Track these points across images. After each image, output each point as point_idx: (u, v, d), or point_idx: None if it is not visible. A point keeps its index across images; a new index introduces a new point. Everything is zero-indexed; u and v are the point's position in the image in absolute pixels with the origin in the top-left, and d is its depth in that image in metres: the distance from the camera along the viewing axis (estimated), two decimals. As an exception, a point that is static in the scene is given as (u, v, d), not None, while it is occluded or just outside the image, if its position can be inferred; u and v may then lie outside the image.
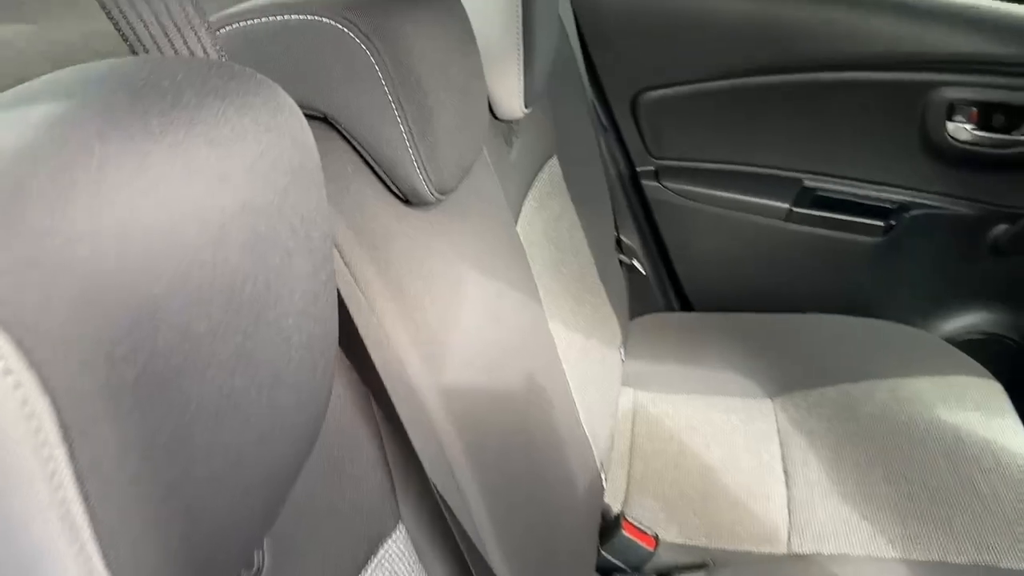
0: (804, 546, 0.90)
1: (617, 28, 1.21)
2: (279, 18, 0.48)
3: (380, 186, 0.54)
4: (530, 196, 0.96)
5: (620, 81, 1.25)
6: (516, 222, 0.88)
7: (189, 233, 0.26)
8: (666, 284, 1.37)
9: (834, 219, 1.23)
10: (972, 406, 1.05)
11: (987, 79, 1.11)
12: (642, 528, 0.90)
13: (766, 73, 1.18)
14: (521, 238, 0.86)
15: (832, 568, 0.86)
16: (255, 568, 0.39)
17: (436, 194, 0.54)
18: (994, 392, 1.09)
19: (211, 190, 0.27)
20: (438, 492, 0.52)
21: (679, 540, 0.93)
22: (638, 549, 0.88)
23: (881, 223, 1.22)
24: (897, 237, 1.23)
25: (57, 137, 0.25)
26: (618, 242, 1.30)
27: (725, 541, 0.93)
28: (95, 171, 0.24)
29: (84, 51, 0.58)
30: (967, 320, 1.28)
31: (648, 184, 1.30)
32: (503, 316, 0.68)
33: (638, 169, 1.30)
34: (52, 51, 0.58)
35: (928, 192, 1.20)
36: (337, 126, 0.51)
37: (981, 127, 1.15)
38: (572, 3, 1.19)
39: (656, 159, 1.29)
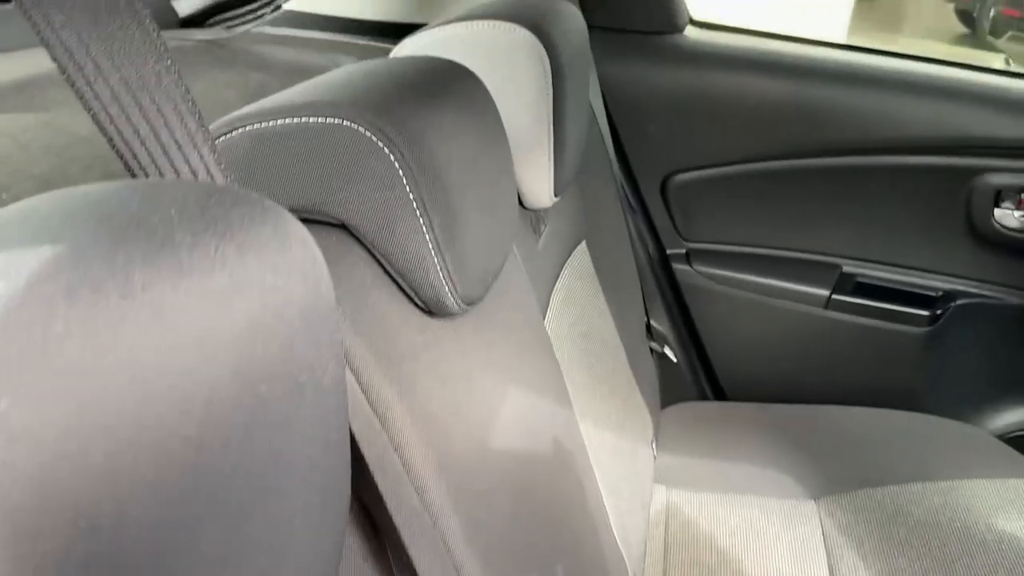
0: (858, 674, 0.82)
1: (647, 110, 1.18)
2: (294, 120, 0.45)
3: (402, 297, 0.49)
4: (559, 286, 0.92)
5: (650, 163, 1.22)
6: (544, 314, 0.84)
7: (167, 415, 0.21)
8: (698, 371, 1.31)
9: (876, 307, 1.17)
10: (1034, 514, 0.98)
11: (1035, 165, 1.07)
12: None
13: (800, 156, 1.15)
14: (549, 332, 0.82)
15: None
16: None
17: (463, 305, 0.50)
18: (1057, 498, 1.01)
19: (198, 359, 0.22)
20: None
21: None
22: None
23: (927, 312, 1.16)
24: (944, 327, 1.17)
25: (16, 293, 0.21)
26: (648, 328, 1.24)
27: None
28: (55, 342, 0.20)
29: (88, 144, 0.56)
30: (1018, 415, 1.20)
31: (679, 268, 1.25)
32: (535, 428, 0.63)
33: (668, 252, 1.26)
34: (54, 143, 0.55)
35: (976, 280, 1.15)
36: (357, 235, 0.47)
37: (1031, 213, 1.10)
38: (601, 85, 1.17)
39: (687, 242, 1.25)
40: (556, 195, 0.81)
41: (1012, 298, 1.14)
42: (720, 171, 1.18)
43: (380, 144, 0.44)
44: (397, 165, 0.45)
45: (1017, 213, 1.10)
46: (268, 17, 1.02)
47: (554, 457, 0.67)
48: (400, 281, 0.48)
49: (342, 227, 0.47)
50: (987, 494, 1.01)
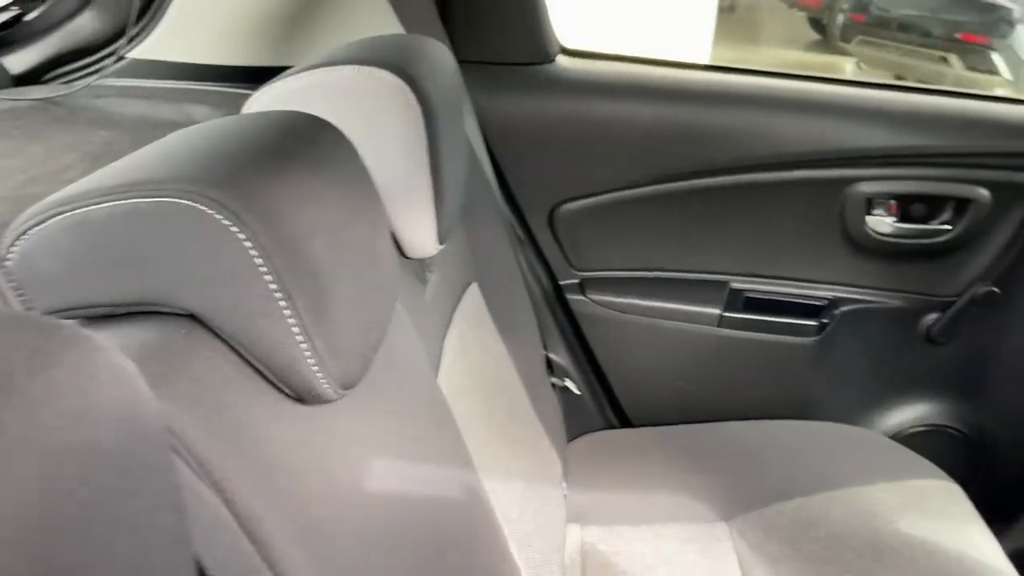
0: None
1: (527, 141, 1.16)
2: (124, 201, 0.39)
3: (269, 388, 0.44)
4: (451, 334, 0.87)
5: (535, 195, 1.19)
6: (437, 369, 0.79)
7: None
8: (602, 401, 1.30)
9: (766, 321, 1.19)
10: (935, 514, 1.00)
11: (902, 171, 1.11)
12: None
13: (681, 178, 1.15)
14: (444, 388, 0.77)
15: None
16: None
17: (339, 391, 0.45)
18: (955, 495, 1.04)
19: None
20: None
21: None
22: None
23: (814, 322, 1.18)
24: (831, 335, 1.19)
25: None
26: (548, 362, 1.22)
27: None
28: None
29: None
30: (909, 414, 1.24)
31: (573, 298, 1.23)
32: (436, 506, 0.58)
33: (561, 283, 1.23)
34: None
35: (857, 287, 1.18)
36: (210, 325, 0.41)
37: (901, 219, 1.13)
38: (479, 119, 1.14)
39: (579, 271, 1.23)
40: (441, 242, 0.77)
41: (891, 301, 1.18)
42: (605, 198, 1.17)
43: (227, 223, 0.39)
44: (249, 246, 0.39)
45: (888, 219, 1.14)
46: (111, 69, 0.94)
47: (459, 531, 0.62)
48: (265, 372, 0.42)
49: (192, 317, 0.41)
50: (890, 498, 1.03)
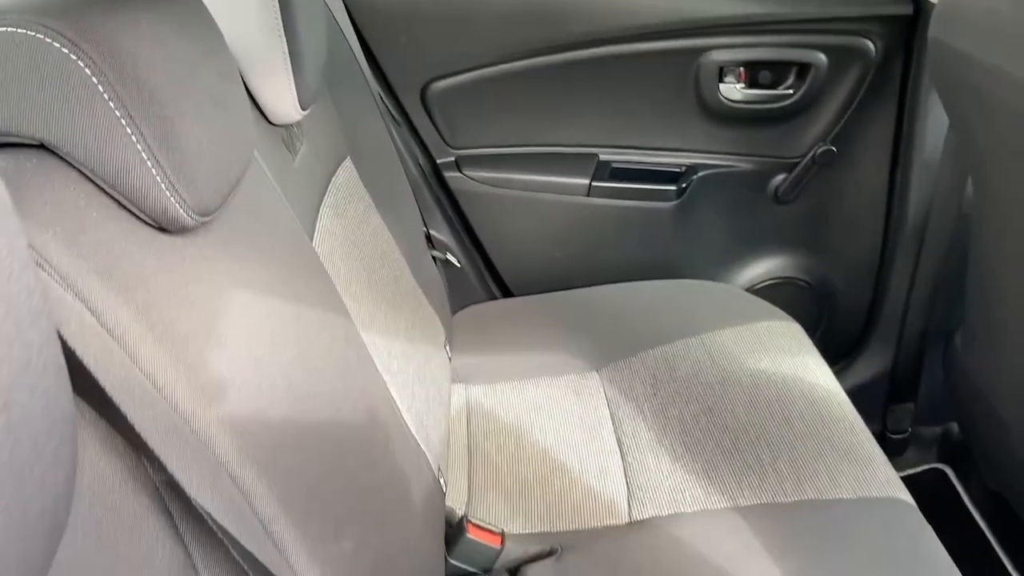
0: (643, 512, 0.92)
1: (396, 20, 1.17)
2: (-39, 34, 0.40)
3: (128, 216, 0.47)
4: (325, 204, 0.90)
5: (406, 73, 1.21)
6: (313, 235, 0.83)
7: None
8: (483, 273, 1.36)
9: (631, 189, 1.27)
10: (776, 350, 1.12)
11: (750, 39, 1.18)
12: (487, 527, 0.88)
13: (548, 53, 1.19)
14: (320, 251, 0.81)
15: (669, 529, 0.88)
16: None
17: (196, 216, 0.48)
18: (794, 332, 1.17)
19: None
20: (248, 552, 0.46)
21: (525, 530, 0.92)
22: (485, 549, 0.86)
23: (674, 187, 1.27)
24: (689, 199, 1.29)
25: None
26: (428, 238, 1.26)
27: (569, 522, 0.93)
28: None
29: None
30: (761, 268, 1.37)
31: (450, 175, 1.27)
32: (305, 339, 0.63)
33: (438, 161, 1.27)
34: None
35: (712, 152, 1.27)
36: (60, 154, 0.43)
37: (749, 85, 1.22)
38: (345, 1, 1.14)
39: (455, 149, 1.27)
40: (303, 108, 0.79)
41: (743, 164, 1.27)
42: (475, 75, 1.20)
43: (66, 51, 0.41)
44: (90, 72, 0.42)
45: (739, 86, 1.22)
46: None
47: (333, 367, 0.67)
48: (120, 198, 0.45)
49: (42, 147, 0.44)
50: (740, 339, 1.14)
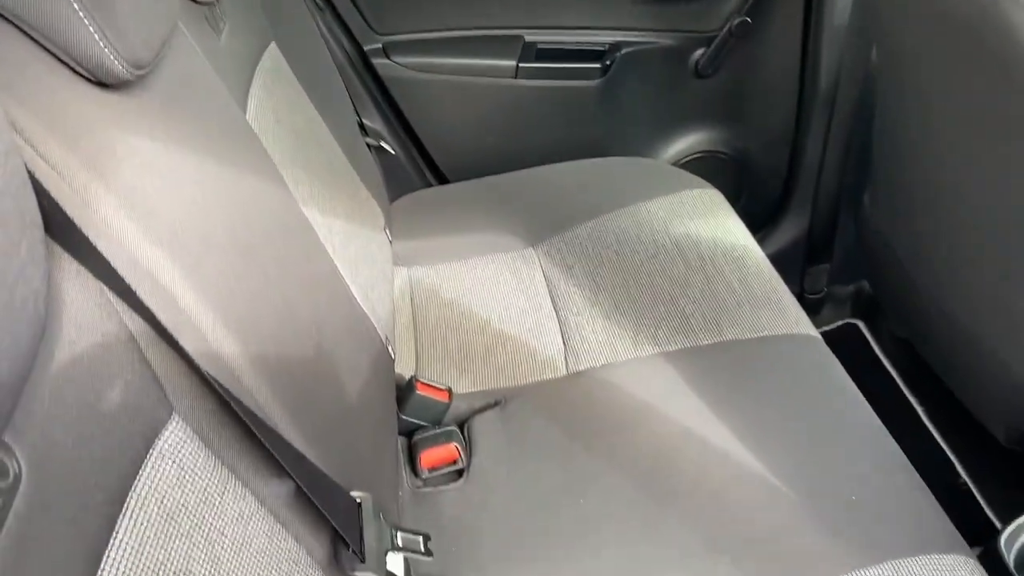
0: (579, 365, 0.99)
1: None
2: None
3: (66, 72, 0.49)
4: (255, 86, 0.91)
5: (327, -42, 1.20)
6: (245, 115, 0.84)
7: None
8: (418, 161, 1.39)
9: (556, 69, 1.30)
10: (699, 214, 1.19)
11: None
12: (435, 385, 0.94)
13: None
14: (254, 128, 0.83)
15: (603, 376, 0.96)
16: (11, 476, 0.37)
17: (130, 68, 0.50)
18: (717, 200, 1.24)
19: None
20: (214, 380, 0.51)
21: (471, 389, 0.99)
22: (434, 404, 0.92)
23: (598, 65, 1.30)
24: (614, 76, 1.32)
25: None
26: (361, 126, 1.28)
27: (512, 379, 1.00)
28: None
29: None
30: (685, 143, 1.42)
31: (379, 62, 1.28)
32: (246, 203, 0.66)
33: (365, 48, 1.28)
34: None
35: (634, 30, 1.30)
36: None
37: (665, -40, 1.24)
38: None
39: (381, 35, 1.28)
40: None
41: (664, 40, 1.31)
42: (396, -43, 1.20)
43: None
44: None
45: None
46: None
47: (276, 230, 0.71)
48: (57, 52, 0.47)
49: None
50: (666, 207, 1.21)
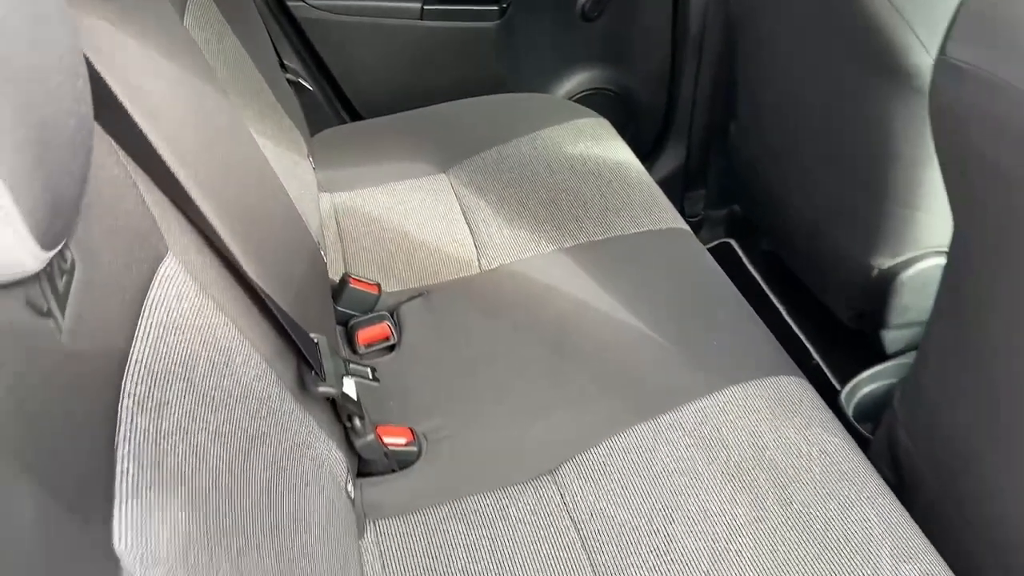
0: (491, 263, 1.14)
1: None
2: None
3: None
4: (188, 14, 1.01)
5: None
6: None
7: None
8: (333, 99, 1.50)
9: (458, 10, 1.43)
10: (589, 139, 1.35)
11: None
12: (366, 280, 1.07)
13: None
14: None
15: (511, 270, 1.11)
16: (69, 262, 0.49)
17: None
18: (604, 126, 1.40)
19: None
20: (201, 224, 0.63)
21: (398, 287, 1.12)
22: (366, 296, 1.05)
23: (496, 7, 1.45)
24: (510, 19, 1.47)
25: None
26: (281, 64, 1.38)
27: (433, 278, 1.14)
28: None
29: None
30: (576, 81, 1.59)
31: (294, 4, 1.38)
32: (205, 94, 0.77)
33: (281, -9, 1.38)
34: None
35: (527, -25, 1.45)
36: None
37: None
38: None
39: (296, -20, 1.38)
40: None
41: (556, -17, 1.47)
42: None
43: None
44: None
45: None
46: None
47: (230, 128, 0.82)
48: None
49: None
50: (560, 134, 1.36)
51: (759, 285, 1.66)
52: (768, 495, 0.80)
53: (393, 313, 1.07)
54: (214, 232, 0.67)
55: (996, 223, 0.76)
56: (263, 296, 0.71)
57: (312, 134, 1.43)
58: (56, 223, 0.41)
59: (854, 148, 1.15)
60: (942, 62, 0.71)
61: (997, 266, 0.78)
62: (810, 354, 1.45)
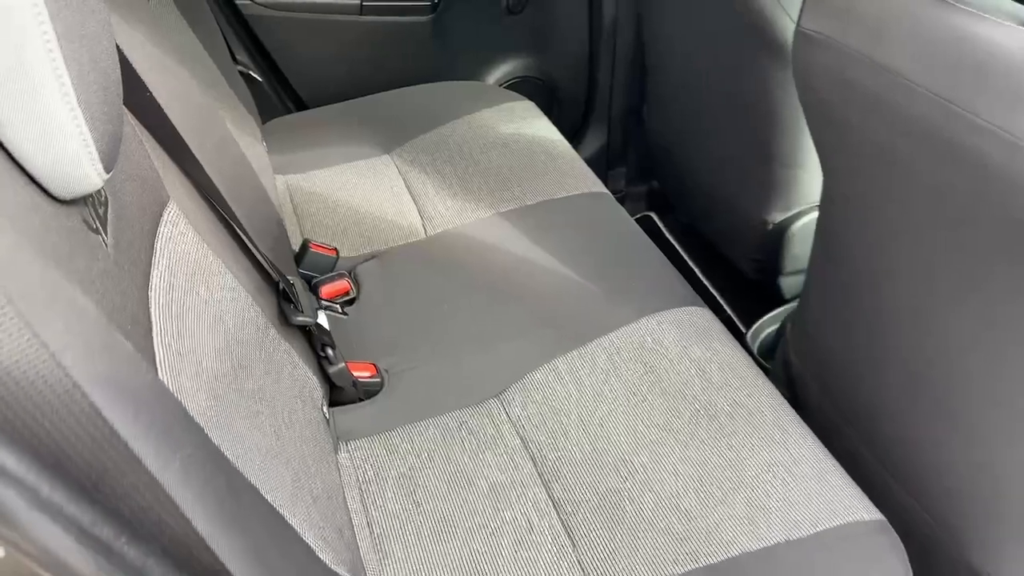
0: (435, 229, 1.28)
1: None
2: None
3: None
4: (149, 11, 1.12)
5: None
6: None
7: None
8: (279, 91, 1.61)
9: (393, 6, 1.57)
10: (518, 119, 1.50)
11: None
12: (324, 244, 1.19)
13: None
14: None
15: (455, 233, 1.25)
16: (104, 195, 0.61)
17: None
18: (532, 109, 1.55)
19: None
20: (190, 177, 0.75)
21: (353, 252, 1.25)
22: (325, 259, 1.18)
23: (428, 3, 1.58)
24: (442, 13, 1.61)
25: None
26: (233, 58, 1.49)
27: (384, 243, 1.27)
28: None
29: None
30: (505, 70, 1.74)
31: (242, 3, 1.50)
32: (181, 70, 0.89)
33: (229, -9, 1.49)
34: None
35: (455, -26, 1.59)
36: None
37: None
38: None
39: (242, -20, 1.49)
40: None
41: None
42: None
43: None
44: None
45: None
46: None
47: (200, 102, 0.94)
48: None
49: None
50: (492, 116, 1.51)
51: (677, 251, 1.83)
52: (679, 399, 0.96)
53: (351, 273, 1.19)
54: (208, 182, 0.79)
55: (850, 172, 0.94)
56: (246, 240, 0.83)
57: (263, 122, 1.54)
58: (112, 151, 0.53)
59: (743, 118, 1.33)
60: (798, 33, 0.88)
61: (854, 209, 0.96)
62: (721, 305, 1.63)
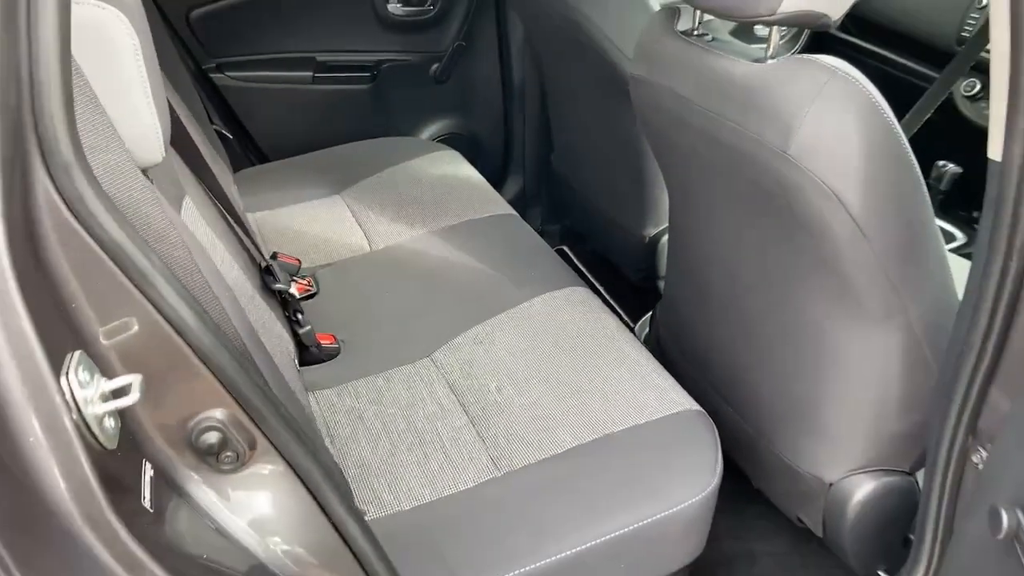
0: (378, 246, 1.60)
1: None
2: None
3: None
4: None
5: (174, 3, 1.75)
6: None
7: None
8: (247, 146, 1.94)
9: (341, 77, 1.93)
10: (446, 165, 1.85)
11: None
12: (289, 256, 1.50)
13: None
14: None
15: (395, 247, 1.57)
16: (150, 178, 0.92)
17: None
18: (457, 157, 1.90)
19: None
20: (200, 179, 1.06)
21: (312, 266, 1.56)
22: (290, 266, 1.48)
23: (368, 74, 1.94)
24: (379, 83, 1.97)
25: None
26: (210, 119, 1.81)
27: (338, 256, 1.58)
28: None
29: None
30: (435, 127, 2.10)
31: (216, 76, 1.83)
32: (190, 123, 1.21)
33: (204, 67, 1.82)
34: None
35: (390, 51, 1.96)
36: None
37: (405, 4, 1.92)
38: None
39: (215, 57, 1.83)
40: None
41: (411, 58, 1.98)
42: (228, 3, 1.77)
43: None
44: None
45: (399, 3, 1.91)
46: None
47: (203, 139, 1.26)
48: None
49: None
50: (424, 162, 1.84)
51: (587, 276, 2.17)
52: (558, 340, 1.28)
53: (312, 275, 1.50)
54: (214, 183, 1.10)
55: (676, 173, 1.29)
56: (238, 231, 1.14)
57: (233, 172, 1.86)
58: (167, 138, 0.84)
59: (622, 152, 1.69)
60: (631, 78, 1.24)
61: (680, 199, 1.31)
62: (616, 309, 1.97)
